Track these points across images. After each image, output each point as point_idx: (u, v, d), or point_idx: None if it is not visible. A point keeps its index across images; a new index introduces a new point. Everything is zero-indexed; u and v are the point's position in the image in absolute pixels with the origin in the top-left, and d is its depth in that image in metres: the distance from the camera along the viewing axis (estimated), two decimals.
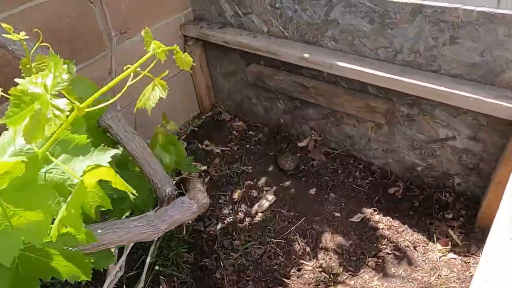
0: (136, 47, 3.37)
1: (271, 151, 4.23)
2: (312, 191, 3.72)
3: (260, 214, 3.52)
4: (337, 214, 3.47)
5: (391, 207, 3.46)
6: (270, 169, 4.02)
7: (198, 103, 4.88)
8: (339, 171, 3.82)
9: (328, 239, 3.26)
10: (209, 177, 3.93)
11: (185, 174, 3.17)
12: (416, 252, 3.05)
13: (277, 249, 3.20)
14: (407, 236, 3.19)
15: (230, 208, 3.60)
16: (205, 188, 2.86)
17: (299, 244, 3.24)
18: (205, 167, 4.02)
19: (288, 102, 4.08)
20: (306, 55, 3.24)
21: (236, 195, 3.65)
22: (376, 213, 3.42)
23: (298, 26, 3.33)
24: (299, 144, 4.17)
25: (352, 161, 3.88)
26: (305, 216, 3.48)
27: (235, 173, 3.95)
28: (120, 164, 2.08)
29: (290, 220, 3.44)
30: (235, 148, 4.31)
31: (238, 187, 3.78)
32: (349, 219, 3.40)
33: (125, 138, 1.90)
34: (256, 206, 3.61)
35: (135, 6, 3.12)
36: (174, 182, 2.83)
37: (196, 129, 4.68)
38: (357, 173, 3.79)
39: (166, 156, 2.84)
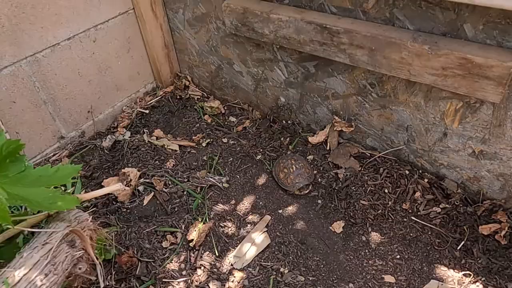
0: None
1: (263, 150, 2.50)
2: (337, 227, 2.01)
3: (237, 276, 1.80)
4: (389, 279, 1.77)
5: (492, 266, 1.76)
6: (261, 182, 2.30)
7: (153, 72, 3.13)
8: (386, 190, 2.10)
9: None
10: (152, 194, 2.19)
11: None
12: None
13: None
14: None
15: (182, 258, 1.88)
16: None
17: None
18: (147, 180, 2.29)
19: (294, 66, 2.35)
20: None
21: (193, 235, 1.92)
22: (468, 279, 1.72)
23: None
24: (311, 139, 2.44)
25: (407, 172, 2.15)
26: (326, 283, 1.77)
27: (198, 188, 2.23)
28: None
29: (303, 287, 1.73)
30: (204, 144, 2.58)
31: (200, 216, 2.06)
32: None
33: None
34: (231, 258, 1.89)
35: None
36: None
37: (147, 111, 2.93)
38: (418, 194, 2.07)
39: None
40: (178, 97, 3.07)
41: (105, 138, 2.76)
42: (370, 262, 1.85)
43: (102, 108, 2.87)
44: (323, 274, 1.80)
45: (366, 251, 1.90)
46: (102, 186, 2.24)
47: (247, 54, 2.55)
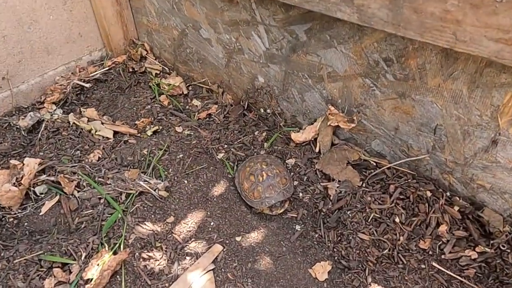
0: None
1: (229, 146, 1.81)
2: (321, 271, 1.32)
3: None
4: None
5: None
6: (218, 191, 1.60)
7: (101, 36, 2.42)
8: (397, 219, 1.41)
9: None
10: (56, 199, 1.49)
11: None
12: None
13: None
14: None
15: None
16: None
17: None
18: (52, 178, 1.59)
19: (278, 32, 1.66)
20: None
21: (92, 272, 1.22)
22: None
23: None
24: (294, 136, 1.75)
25: (429, 194, 1.47)
26: None
27: (123, 196, 1.52)
28: None
29: None
30: (149, 132, 1.88)
31: (113, 241, 1.36)
32: None
33: None
34: None
35: None
36: None
37: (88, 85, 2.23)
38: (444, 228, 1.39)
39: None
40: (131, 70, 2.36)
41: (25, 116, 2.05)
42: None
43: (25, 76, 2.16)
44: None
45: None
46: None
47: (217, 13, 1.84)
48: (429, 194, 1.46)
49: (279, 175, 1.51)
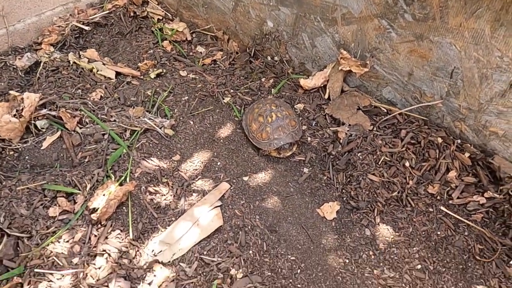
0: None
1: (235, 91, 1.76)
2: (329, 210, 1.31)
3: (160, 276, 1.09)
4: None
5: None
6: (224, 133, 1.57)
7: None
8: (407, 164, 1.40)
9: None
10: (58, 134, 1.44)
11: None
12: None
13: None
14: None
15: (77, 237, 1.16)
16: None
17: None
18: (54, 113, 1.53)
19: None
20: None
21: (98, 202, 1.19)
22: None
23: None
24: (303, 83, 1.70)
25: (440, 140, 1.45)
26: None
27: (128, 133, 1.48)
28: None
29: None
30: (153, 75, 1.82)
31: (118, 174, 1.32)
32: None
33: None
34: (155, 244, 1.18)
35: None
36: None
37: (87, 28, 2.13)
38: (453, 173, 1.38)
39: None
40: (132, 14, 2.26)
41: (22, 56, 1.97)
42: (375, 272, 1.16)
43: (22, 14, 2.06)
44: (299, 286, 1.10)
45: (371, 253, 1.21)
46: None
47: None
48: (440, 140, 1.44)
49: (288, 117, 1.48)
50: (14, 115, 1.41)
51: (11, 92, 1.48)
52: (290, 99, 1.69)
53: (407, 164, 1.39)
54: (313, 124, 1.58)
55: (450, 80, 1.40)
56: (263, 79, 1.83)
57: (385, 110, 1.57)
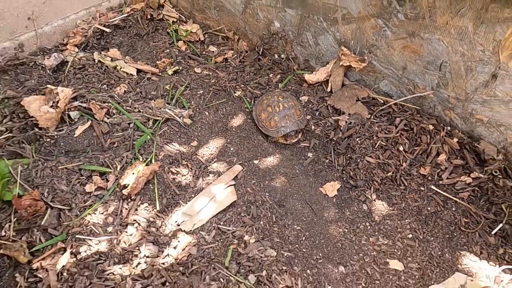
0: None
1: (245, 86, 1.93)
2: (330, 189, 1.48)
3: (183, 241, 1.26)
4: (396, 265, 1.25)
5: None
6: (236, 123, 1.74)
7: None
8: (401, 148, 1.56)
9: None
10: (88, 123, 1.62)
11: None
12: None
13: None
14: None
15: (110, 210, 1.34)
16: None
17: None
18: (84, 104, 1.71)
19: None
20: None
21: (128, 179, 1.36)
22: (509, 278, 1.20)
23: None
24: (308, 77, 1.87)
25: (431, 128, 1.61)
26: (307, 262, 1.24)
27: (150, 122, 1.66)
28: None
29: (261, 269, 1.19)
30: (170, 72, 2.00)
31: (143, 158, 1.49)
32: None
33: None
34: (178, 216, 1.35)
35: None
36: None
37: (108, 30, 2.31)
38: (443, 157, 1.54)
39: None
40: (149, 17, 2.44)
41: (49, 56, 2.16)
42: (371, 239, 1.32)
43: (49, 18, 2.25)
44: (303, 250, 1.27)
45: (367, 224, 1.37)
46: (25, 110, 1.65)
47: None
48: (431, 127, 1.60)
49: (294, 107, 1.64)
50: (51, 106, 1.60)
51: (48, 86, 1.66)
52: (295, 92, 1.86)
53: (401, 148, 1.55)
54: (316, 114, 1.75)
55: (439, 73, 1.56)
56: (270, 75, 2.00)
57: (382, 101, 1.73)
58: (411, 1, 1.47)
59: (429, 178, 1.52)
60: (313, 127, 1.70)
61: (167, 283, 1.12)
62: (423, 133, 1.58)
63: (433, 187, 1.48)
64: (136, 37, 2.38)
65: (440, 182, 1.51)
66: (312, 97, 1.81)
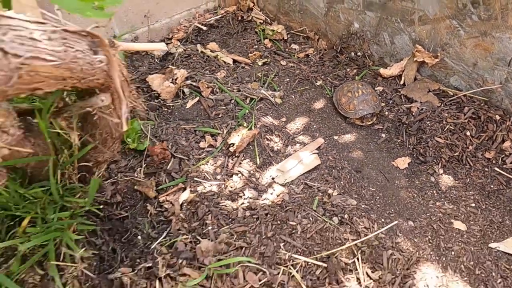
0: None
1: (325, 77, 2.21)
2: (401, 163, 1.71)
3: (277, 190, 1.56)
4: (459, 226, 1.45)
5: None
6: (318, 106, 2.02)
7: None
8: (468, 133, 1.75)
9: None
10: (197, 99, 1.98)
11: None
12: None
13: (300, 281, 1.26)
14: None
15: (218, 163, 1.67)
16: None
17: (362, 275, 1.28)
18: (194, 83, 2.08)
19: None
20: None
21: (234, 139, 1.69)
22: None
23: None
24: (383, 72, 2.11)
25: (498, 118, 1.78)
26: (381, 214, 1.49)
27: (247, 99, 1.99)
28: None
29: (343, 214, 1.45)
30: (260, 63, 2.33)
31: (245, 125, 1.82)
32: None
33: None
34: (274, 170, 1.65)
35: None
36: None
37: (204, 28, 2.71)
38: (508, 144, 1.71)
39: None
40: (239, 18, 2.82)
41: None
42: (437, 204, 1.53)
43: (159, 16, 2.69)
44: (378, 205, 1.51)
45: (434, 192, 1.58)
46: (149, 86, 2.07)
47: None
48: (498, 117, 1.77)
49: (371, 94, 1.90)
50: (171, 81, 1.99)
51: (169, 66, 2.06)
52: (371, 84, 2.11)
53: (468, 133, 1.74)
54: (390, 102, 1.98)
55: (508, 68, 1.74)
56: (347, 69, 2.27)
57: (451, 94, 1.93)
58: (485, 4, 1.68)
59: (494, 161, 1.69)
60: (386, 112, 1.94)
61: (269, 215, 1.42)
62: (489, 122, 1.76)
63: (496, 168, 1.66)
64: (227, 35, 2.76)
65: (504, 166, 1.68)
66: (386, 88, 2.05)
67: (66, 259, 1.23)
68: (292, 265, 1.28)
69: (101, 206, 1.40)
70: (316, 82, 2.18)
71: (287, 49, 2.56)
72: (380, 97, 2.00)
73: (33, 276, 1.23)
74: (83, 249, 1.25)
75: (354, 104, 1.87)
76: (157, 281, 1.25)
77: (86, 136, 1.28)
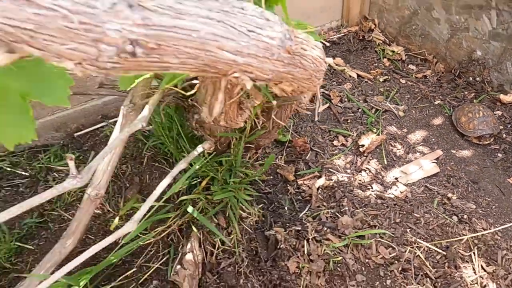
0: None
1: (444, 97, 2.43)
2: None
3: (401, 188, 1.84)
4: None
5: None
6: (437, 122, 2.25)
7: (342, 11, 3.25)
8: None
9: None
10: (327, 105, 2.34)
11: None
12: None
13: (424, 260, 1.53)
14: None
15: (348, 159, 2.00)
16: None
17: (471, 267, 1.51)
18: (326, 91, 2.44)
19: (509, 15, 2.18)
20: None
21: (365, 141, 2.01)
22: None
23: None
24: (502, 97, 2.28)
25: None
26: (498, 220, 1.69)
27: (373, 109, 2.30)
28: None
29: (463, 214, 1.69)
30: (381, 80, 2.62)
31: (372, 130, 2.13)
32: None
33: None
34: (397, 171, 1.94)
35: None
36: None
37: (328, 44, 3.07)
38: None
39: None
40: (360, 37, 3.14)
41: None
42: None
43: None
44: (494, 213, 1.72)
45: None
46: None
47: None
48: None
49: (491, 116, 2.09)
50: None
51: None
52: (489, 108, 2.29)
53: None
54: (509, 126, 2.15)
55: None
56: (465, 92, 2.46)
57: None
58: None
59: None
60: (504, 135, 2.11)
61: (396, 205, 1.71)
62: None
63: None
64: (347, 52, 3.09)
65: None
66: (505, 113, 2.21)
67: (231, 217, 1.64)
68: (416, 247, 1.56)
69: (266, 178, 1.80)
70: (435, 101, 2.41)
71: (404, 69, 2.82)
72: (499, 121, 2.18)
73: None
74: (260, 205, 1.66)
75: (474, 124, 2.08)
76: (305, 241, 1.61)
77: (264, 123, 1.69)
